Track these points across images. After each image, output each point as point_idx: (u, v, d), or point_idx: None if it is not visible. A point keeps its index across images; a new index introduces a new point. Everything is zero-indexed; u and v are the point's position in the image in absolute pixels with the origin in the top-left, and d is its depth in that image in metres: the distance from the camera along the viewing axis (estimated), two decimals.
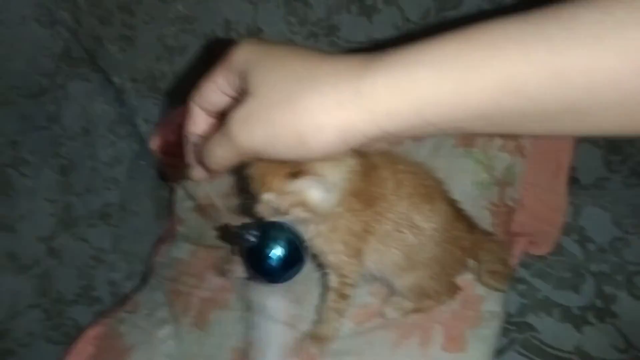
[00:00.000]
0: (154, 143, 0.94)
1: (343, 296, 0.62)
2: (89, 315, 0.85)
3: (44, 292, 0.82)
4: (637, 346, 0.65)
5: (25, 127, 0.85)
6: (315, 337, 0.64)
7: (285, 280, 0.60)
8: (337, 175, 0.53)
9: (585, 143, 0.82)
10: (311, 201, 0.53)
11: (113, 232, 0.94)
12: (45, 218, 0.85)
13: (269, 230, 0.58)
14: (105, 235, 0.92)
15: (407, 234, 0.58)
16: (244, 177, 0.53)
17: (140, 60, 0.91)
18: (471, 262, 0.66)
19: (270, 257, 0.57)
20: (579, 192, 0.81)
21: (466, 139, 0.77)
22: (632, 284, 0.70)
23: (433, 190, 0.61)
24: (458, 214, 0.63)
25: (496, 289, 0.65)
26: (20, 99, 0.85)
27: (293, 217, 0.54)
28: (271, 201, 0.52)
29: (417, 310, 0.65)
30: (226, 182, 0.84)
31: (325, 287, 0.63)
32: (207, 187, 0.86)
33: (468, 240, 0.63)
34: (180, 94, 0.93)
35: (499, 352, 0.66)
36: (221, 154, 0.40)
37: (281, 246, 0.58)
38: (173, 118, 0.93)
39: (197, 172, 0.46)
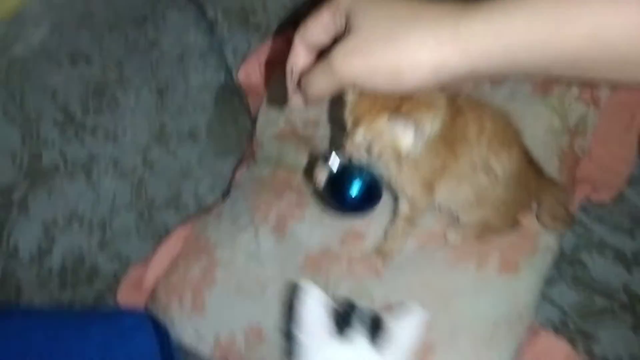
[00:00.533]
0: (241, 75, 1.03)
1: (411, 222, 0.67)
2: (176, 220, 0.95)
3: (138, 196, 0.93)
4: None
5: (130, 50, 0.94)
6: (380, 253, 0.71)
7: (360, 213, 0.64)
8: (434, 125, 0.54)
9: None
10: (401, 145, 0.55)
11: (199, 151, 1.03)
12: (142, 133, 0.95)
13: (352, 164, 0.60)
14: (192, 153, 1.02)
15: (481, 175, 0.63)
16: (341, 114, 0.56)
17: None
18: (535, 205, 0.70)
19: (351, 189, 0.60)
20: None
21: (543, 86, 0.79)
22: None
23: (511, 137, 0.64)
24: (529, 161, 0.67)
25: (557, 231, 0.70)
26: (126, 24, 0.94)
27: (378, 158, 0.56)
28: (364, 139, 0.55)
29: (477, 237, 0.70)
30: (309, 112, 0.91)
31: (395, 212, 0.70)
32: (290, 115, 0.94)
33: (535, 185, 0.68)
34: (267, 30, 1.00)
35: (550, 282, 0.71)
36: (321, 84, 0.45)
37: (362, 180, 0.60)
38: (260, 53, 1.00)
39: (295, 100, 0.52)
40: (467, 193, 0.64)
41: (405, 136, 0.54)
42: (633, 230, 0.74)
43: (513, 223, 0.70)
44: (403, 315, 0.53)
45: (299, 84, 0.50)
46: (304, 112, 0.93)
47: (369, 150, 0.56)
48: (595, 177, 0.78)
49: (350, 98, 0.55)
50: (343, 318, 0.54)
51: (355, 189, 0.60)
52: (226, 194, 0.98)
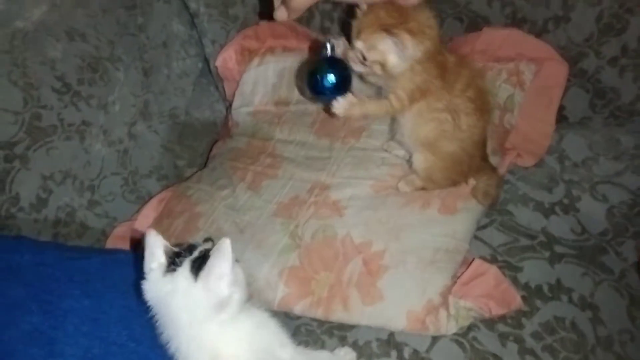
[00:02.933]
0: (218, 61, 1.15)
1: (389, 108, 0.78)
2: (158, 187, 1.06)
3: (123, 165, 1.02)
4: (589, 231, 0.84)
5: (121, 32, 1.05)
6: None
7: (328, 99, 0.76)
8: (416, 49, 0.71)
9: (575, 87, 1.00)
10: (388, 59, 0.72)
11: (178, 129, 1.14)
12: (129, 108, 1.05)
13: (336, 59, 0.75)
14: (172, 131, 1.13)
15: (449, 121, 0.77)
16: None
17: None
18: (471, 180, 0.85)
19: (326, 78, 0.73)
20: (565, 126, 0.99)
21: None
22: (595, 190, 0.88)
23: (484, 111, 0.79)
24: (484, 141, 0.82)
25: (482, 205, 0.84)
26: (118, 8, 1.05)
27: (371, 71, 0.73)
28: (361, 50, 0.72)
29: (423, 188, 0.84)
30: (280, 92, 1.04)
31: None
32: (264, 96, 1.06)
33: (478, 163, 0.82)
34: (245, 20, 1.13)
35: (482, 227, 0.85)
36: None
37: (337, 74, 0.73)
38: (236, 41, 1.13)
39: (280, 13, 0.66)
40: (430, 129, 0.78)
41: (392, 52, 0.71)
42: (550, 187, 0.89)
43: (451, 184, 0.84)
44: (216, 246, 0.59)
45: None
46: (276, 92, 1.06)
47: (364, 62, 0.72)
48: (520, 147, 0.94)
49: (359, 12, 0.72)
50: (176, 256, 0.61)
51: (328, 80, 0.73)
52: (205, 165, 1.09)
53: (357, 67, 0.76)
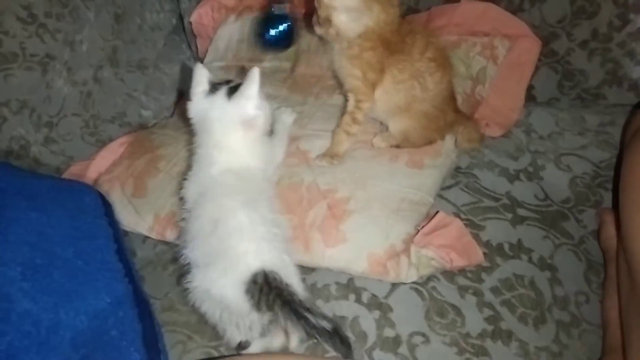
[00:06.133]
0: (194, 16, 1.13)
1: (355, 120, 0.81)
2: (120, 133, 1.02)
3: (85, 107, 0.98)
4: (552, 198, 0.84)
5: None
6: (327, 155, 0.82)
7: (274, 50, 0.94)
8: (377, 16, 0.72)
9: (545, 67, 1.02)
10: (335, 20, 0.72)
11: (146, 80, 1.11)
12: (97, 51, 1.01)
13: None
14: (139, 81, 1.09)
15: (416, 86, 0.78)
16: None
17: None
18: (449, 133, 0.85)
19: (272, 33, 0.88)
20: (534, 104, 1.01)
21: (453, 43, 0.96)
22: (559, 160, 0.89)
23: (446, 66, 0.80)
24: (452, 95, 0.83)
25: (472, 149, 0.87)
26: None
27: (326, 32, 0.75)
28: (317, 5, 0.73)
29: (398, 146, 0.83)
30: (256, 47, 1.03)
31: (342, 112, 0.83)
32: (237, 52, 1.05)
33: (452, 117, 0.83)
34: None
35: (447, 188, 0.85)
36: None
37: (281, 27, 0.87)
38: None
39: None
40: (400, 98, 0.78)
41: (336, 13, 0.71)
42: (517, 156, 0.90)
43: (427, 142, 0.84)
44: (247, 75, 0.72)
45: None
46: (251, 48, 1.04)
47: (318, 21, 0.74)
48: (489, 118, 0.94)
49: None
50: (217, 85, 0.76)
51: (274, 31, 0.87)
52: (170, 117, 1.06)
53: (316, 28, 0.77)
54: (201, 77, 0.76)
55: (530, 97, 1.02)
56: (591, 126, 0.94)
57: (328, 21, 0.73)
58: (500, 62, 0.96)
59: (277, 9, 0.85)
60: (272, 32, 0.87)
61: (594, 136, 0.92)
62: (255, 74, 0.71)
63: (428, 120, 0.81)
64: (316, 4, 0.74)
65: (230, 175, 0.71)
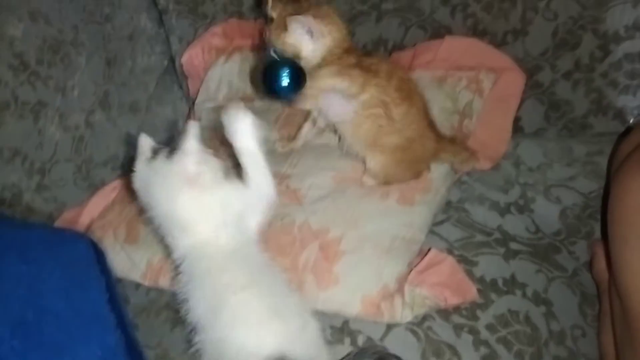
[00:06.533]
0: (185, 58, 1.14)
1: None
2: (112, 177, 1.02)
3: (77, 151, 0.99)
4: (543, 231, 0.85)
5: (86, 19, 1.03)
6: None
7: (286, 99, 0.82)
8: (325, 35, 0.76)
9: (531, 99, 1.03)
10: (302, 48, 0.76)
11: (138, 123, 1.12)
12: (88, 95, 1.02)
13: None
14: (132, 124, 1.10)
15: (381, 116, 0.78)
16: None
17: None
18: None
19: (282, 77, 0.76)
20: (521, 135, 1.02)
21: (440, 78, 0.98)
22: (549, 192, 0.90)
23: (415, 97, 0.81)
24: (429, 124, 0.84)
25: (470, 167, 0.89)
26: None
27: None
28: (279, 40, 0.76)
29: (384, 184, 0.84)
30: (246, 88, 1.04)
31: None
32: (229, 92, 1.06)
33: (434, 145, 0.83)
34: (214, 18, 1.14)
35: (439, 223, 0.85)
36: None
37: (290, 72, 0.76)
38: (203, 38, 1.13)
39: None
40: (368, 129, 0.79)
41: (303, 37, 0.75)
42: (506, 189, 0.91)
43: (413, 175, 0.85)
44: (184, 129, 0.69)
45: None
46: (241, 89, 1.06)
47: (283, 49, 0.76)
48: (478, 152, 0.95)
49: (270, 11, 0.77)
50: (159, 150, 0.70)
51: (283, 80, 0.75)
52: None
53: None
54: (144, 146, 0.71)
55: (517, 128, 1.03)
56: (579, 156, 0.95)
57: (297, 55, 0.77)
58: (486, 95, 0.97)
59: (276, 51, 0.77)
60: (284, 81, 0.74)
61: (582, 166, 0.93)
62: (193, 127, 0.67)
63: (403, 153, 0.82)
64: (278, 48, 0.77)
65: (208, 251, 0.66)
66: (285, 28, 0.75)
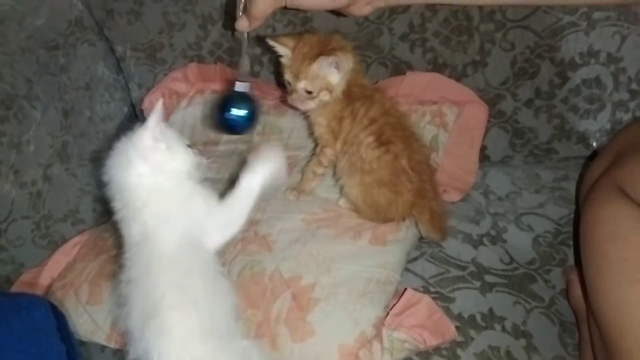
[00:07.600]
0: (145, 103, 1.12)
1: (320, 162, 0.85)
2: (73, 232, 0.98)
3: (35, 208, 0.95)
4: (517, 261, 0.84)
5: (40, 71, 1.00)
6: (295, 190, 0.88)
7: (236, 132, 0.84)
8: (349, 62, 0.80)
9: (495, 127, 1.04)
10: (332, 82, 0.79)
11: (99, 173, 1.08)
12: (45, 148, 0.99)
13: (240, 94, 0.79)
14: (92, 175, 1.06)
15: (356, 152, 0.80)
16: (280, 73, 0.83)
17: (144, 32, 1.10)
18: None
19: (234, 113, 0.78)
20: (488, 164, 1.03)
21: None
22: (520, 221, 0.89)
23: (397, 145, 0.80)
24: (407, 176, 0.81)
25: (434, 240, 0.85)
26: (39, 49, 1.01)
27: (318, 101, 0.81)
28: (304, 87, 0.79)
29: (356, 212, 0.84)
30: (210, 131, 1.03)
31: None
32: (193, 136, 1.04)
33: (410, 199, 0.81)
34: (172, 64, 1.12)
35: (413, 260, 0.84)
36: (263, 4, 0.66)
37: (245, 109, 0.78)
38: (164, 83, 1.11)
39: (242, 22, 0.72)
40: (346, 162, 0.82)
41: (331, 72, 0.78)
42: (478, 220, 0.90)
43: (383, 219, 0.83)
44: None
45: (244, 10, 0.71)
46: (205, 132, 1.04)
47: (309, 92, 0.79)
48: (446, 184, 0.95)
49: (285, 60, 0.80)
50: None
51: (235, 111, 0.78)
52: None
53: (303, 106, 0.82)
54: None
55: (484, 157, 1.04)
56: (546, 182, 0.95)
57: (325, 90, 0.79)
58: (450, 128, 0.98)
59: (239, 87, 0.78)
60: (234, 111, 0.77)
61: (551, 192, 0.93)
62: (158, 105, 0.66)
63: (378, 190, 0.81)
64: (304, 82, 0.79)
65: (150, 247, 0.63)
66: (311, 68, 0.78)
